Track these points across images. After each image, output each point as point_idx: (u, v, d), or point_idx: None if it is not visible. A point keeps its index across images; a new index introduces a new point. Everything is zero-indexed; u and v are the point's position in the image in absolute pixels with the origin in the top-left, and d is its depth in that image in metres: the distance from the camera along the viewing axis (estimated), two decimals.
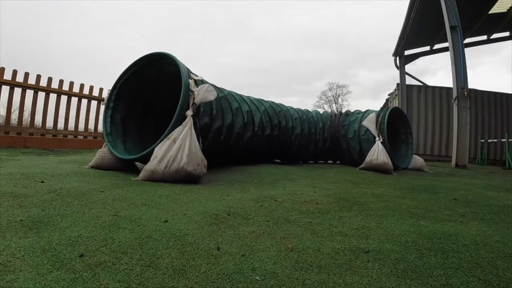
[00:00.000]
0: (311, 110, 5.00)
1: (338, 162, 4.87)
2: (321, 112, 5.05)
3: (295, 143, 4.31)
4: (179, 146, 2.10)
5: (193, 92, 2.29)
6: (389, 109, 4.22)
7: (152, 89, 2.97)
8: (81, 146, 5.49)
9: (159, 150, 2.10)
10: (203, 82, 2.59)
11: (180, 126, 2.17)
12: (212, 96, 2.39)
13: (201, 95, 2.30)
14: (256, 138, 3.52)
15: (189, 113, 2.23)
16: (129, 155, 2.46)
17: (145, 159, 2.16)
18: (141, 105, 2.92)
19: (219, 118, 2.73)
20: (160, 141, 2.15)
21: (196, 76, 2.49)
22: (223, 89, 3.26)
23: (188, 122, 2.19)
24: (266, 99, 4.36)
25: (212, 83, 3.14)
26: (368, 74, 51.86)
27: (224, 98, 2.96)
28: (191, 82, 2.34)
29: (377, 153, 3.84)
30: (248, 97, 3.78)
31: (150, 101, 3.03)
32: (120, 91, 2.76)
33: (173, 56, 2.57)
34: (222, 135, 2.82)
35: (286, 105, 4.69)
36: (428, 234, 1.26)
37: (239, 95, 3.59)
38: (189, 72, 2.45)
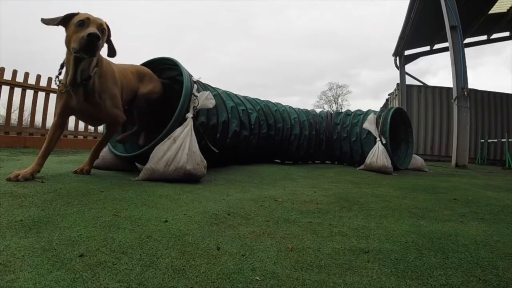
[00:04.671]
0: (309, 110, 4.99)
1: (336, 162, 4.87)
2: (318, 111, 5.04)
3: (294, 143, 4.31)
4: (179, 145, 2.13)
5: (196, 96, 2.35)
6: (392, 110, 4.20)
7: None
8: (81, 146, 5.49)
9: (159, 149, 2.13)
10: (203, 86, 2.60)
11: (180, 127, 2.21)
12: (211, 104, 2.44)
13: (201, 101, 2.36)
14: (253, 137, 3.53)
15: (189, 115, 2.28)
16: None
17: (144, 159, 2.18)
18: None
19: (214, 116, 2.76)
20: (159, 140, 2.17)
21: (195, 78, 2.53)
22: (217, 88, 3.29)
23: (189, 123, 2.24)
24: (266, 99, 4.36)
25: (212, 83, 3.16)
26: (369, 74, 51.95)
27: (218, 96, 2.98)
28: (195, 86, 2.40)
29: (377, 155, 3.82)
30: (244, 96, 3.80)
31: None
32: None
33: (175, 60, 2.59)
34: (218, 133, 2.84)
35: (288, 105, 4.69)
36: (428, 234, 1.26)
37: (235, 94, 3.60)
38: (190, 76, 2.49)
